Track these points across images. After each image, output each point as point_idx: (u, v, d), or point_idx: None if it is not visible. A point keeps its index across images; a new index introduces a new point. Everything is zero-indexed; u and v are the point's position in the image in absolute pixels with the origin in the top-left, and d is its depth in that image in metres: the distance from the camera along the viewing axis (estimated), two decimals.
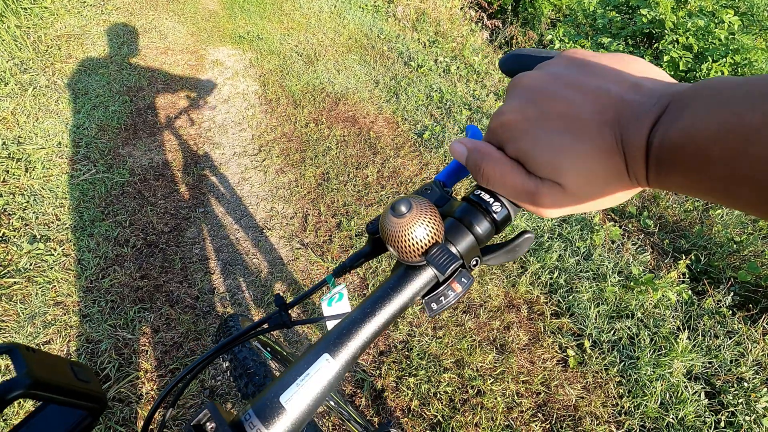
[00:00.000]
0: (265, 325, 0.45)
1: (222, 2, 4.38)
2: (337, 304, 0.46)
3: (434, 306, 0.34)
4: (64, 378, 0.26)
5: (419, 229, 0.32)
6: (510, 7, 5.93)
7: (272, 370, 0.74)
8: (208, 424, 0.31)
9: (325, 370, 0.31)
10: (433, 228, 0.32)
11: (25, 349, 0.26)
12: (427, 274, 0.34)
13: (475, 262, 0.35)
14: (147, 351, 1.53)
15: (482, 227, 0.34)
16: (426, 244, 0.32)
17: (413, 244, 0.32)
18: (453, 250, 0.34)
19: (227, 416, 0.31)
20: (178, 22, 3.83)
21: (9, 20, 2.95)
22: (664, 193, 2.66)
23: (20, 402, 1.31)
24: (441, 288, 0.34)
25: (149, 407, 1.36)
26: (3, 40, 2.81)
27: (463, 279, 0.34)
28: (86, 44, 3.15)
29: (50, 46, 3.00)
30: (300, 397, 0.30)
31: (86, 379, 0.28)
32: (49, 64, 2.84)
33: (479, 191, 0.35)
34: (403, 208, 0.32)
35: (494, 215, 0.34)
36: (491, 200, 0.34)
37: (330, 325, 0.46)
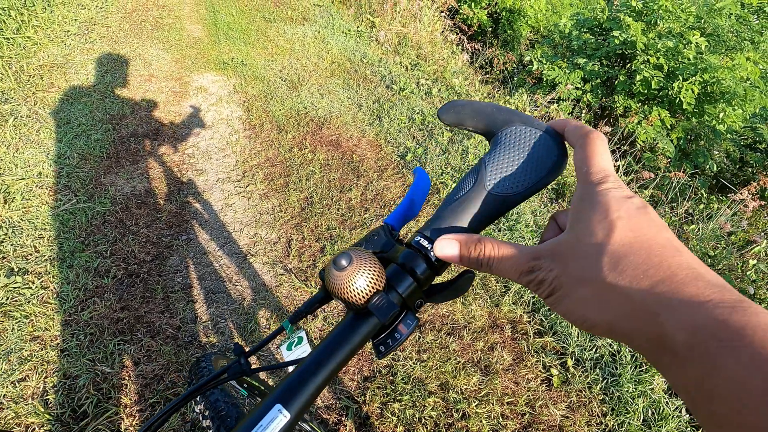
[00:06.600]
0: (225, 376, 0.46)
1: (207, 29, 4.45)
2: (297, 348, 0.47)
3: (382, 349, 0.36)
4: None
5: (360, 280, 0.34)
6: (489, 30, 6.12)
7: (245, 411, 0.73)
8: None
9: (278, 421, 0.32)
10: (372, 278, 0.34)
11: None
12: (373, 320, 0.36)
13: (419, 304, 0.37)
14: (127, 385, 1.50)
15: (421, 270, 0.36)
16: (368, 293, 0.34)
17: (356, 295, 0.34)
18: (394, 296, 0.36)
19: None
20: (163, 49, 3.87)
21: None
22: None
23: None
24: (387, 331, 0.36)
25: None
26: None
27: (408, 321, 0.36)
28: (69, 73, 3.16)
29: (32, 76, 3.01)
30: None
31: None
32: (31, 94, 2.84)
33: (419, 237, 0.37)
34: (344, 262, 0.34)
35: (431, 259, 0.36)
36: (428, 245, 0.36)
37: (291, 369, 0.47)
